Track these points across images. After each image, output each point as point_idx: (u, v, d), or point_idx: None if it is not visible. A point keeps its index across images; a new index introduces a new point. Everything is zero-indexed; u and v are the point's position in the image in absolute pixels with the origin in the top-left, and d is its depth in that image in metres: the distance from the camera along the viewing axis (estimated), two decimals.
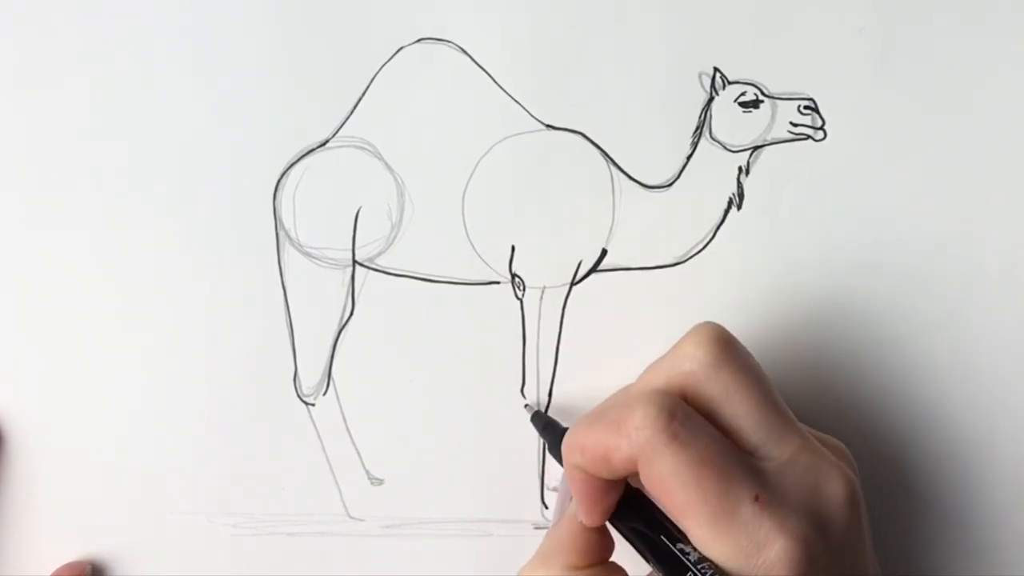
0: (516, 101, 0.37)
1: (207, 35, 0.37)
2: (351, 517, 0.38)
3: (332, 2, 0.37)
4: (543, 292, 0.38)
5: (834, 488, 0.30)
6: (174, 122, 0.37)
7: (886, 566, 0.38)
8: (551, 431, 0.36)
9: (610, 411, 0.31)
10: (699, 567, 0.28)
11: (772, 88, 0.37)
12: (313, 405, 0.38)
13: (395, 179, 0.38)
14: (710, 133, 0.37)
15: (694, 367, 0.31)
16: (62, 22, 0.37)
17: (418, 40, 0.37)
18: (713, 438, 0.29)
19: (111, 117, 0.37)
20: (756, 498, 0.28)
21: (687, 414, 0.29)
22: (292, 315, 0.38)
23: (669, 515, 0.30)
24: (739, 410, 0.30)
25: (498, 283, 0.38)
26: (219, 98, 0.37)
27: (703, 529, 0.28)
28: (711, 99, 0.37)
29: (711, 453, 0.29)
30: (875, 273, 0.37)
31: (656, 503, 0.31)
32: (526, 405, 0.38)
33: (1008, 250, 0.37)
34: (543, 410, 0.38)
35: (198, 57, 0.37)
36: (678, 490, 0.29)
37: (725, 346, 0.31)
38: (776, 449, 0.30)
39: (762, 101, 0.37)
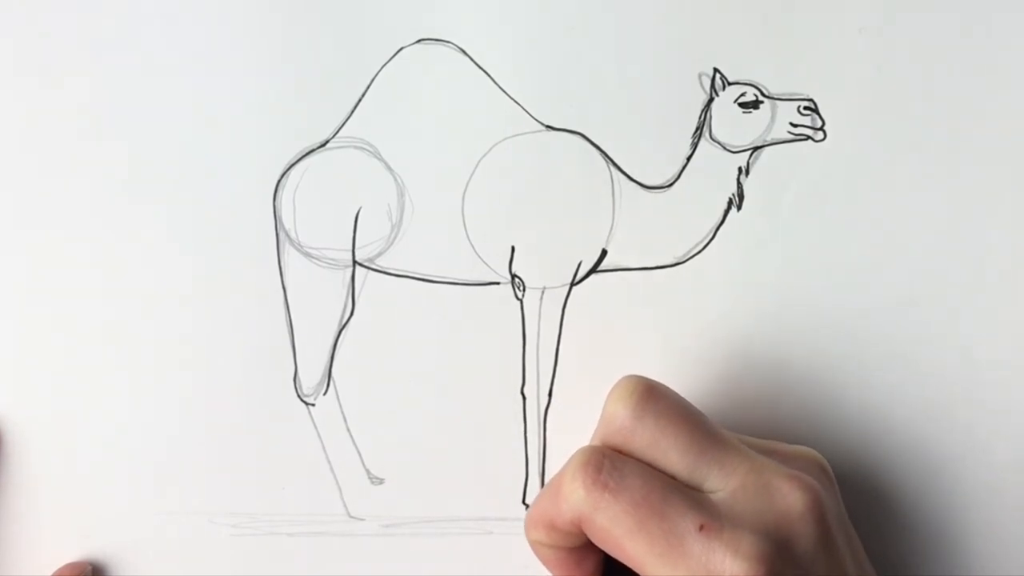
0: (516, 101, 0.37)
1: (207, 35, 0.37)
2: (351, 517, 0.38)
3: (332, 2, 0.37)
4: (543, 292, 0.38)
5: (792, 500, 0.30)
6: (174, 122, 0.37)
7: (887, 569, 0.38)
8: None
9: (551, 481, 0.31)
10: None
11: (772, 88, 0.37)
12: (313, 405, 0.38)
13: (395, 179, 0.38)
14: (710, 134, 0.37)
15: (619, 424, 0.31)
16: (61, 22, 0.37)
17: (418, 40, 0.37)
18: (646, 479, 0.29)
19: (110, 117, 0.37)
20: (701, 528, 0.28)
21: (614, 462, 0.30)
22: (292, 315, 0.38)
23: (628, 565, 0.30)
24: (671, 454, 0.30)
25: (498, 283, 0.38)
26: (219, 98, 0.37)
27: (658, 571, 0.28)
28: (711, 100, 0.37)
29: (645, 494, 0.29)
30: (875, 274, 0.37)
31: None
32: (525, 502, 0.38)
33: (1009, 250, 0.37)
34: (543, 409, 0.38)
35: (198, 57, 0.37)
36: (624, 540, 0.29)
37: (642, 396, 0.31)
38: (720, 480, 0.30)
39: (762, 102, 0.37)
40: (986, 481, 0.38)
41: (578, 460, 0.30)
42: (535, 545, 0.32)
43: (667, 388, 0.32)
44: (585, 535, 0.31)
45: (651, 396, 0.31)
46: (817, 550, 0.29)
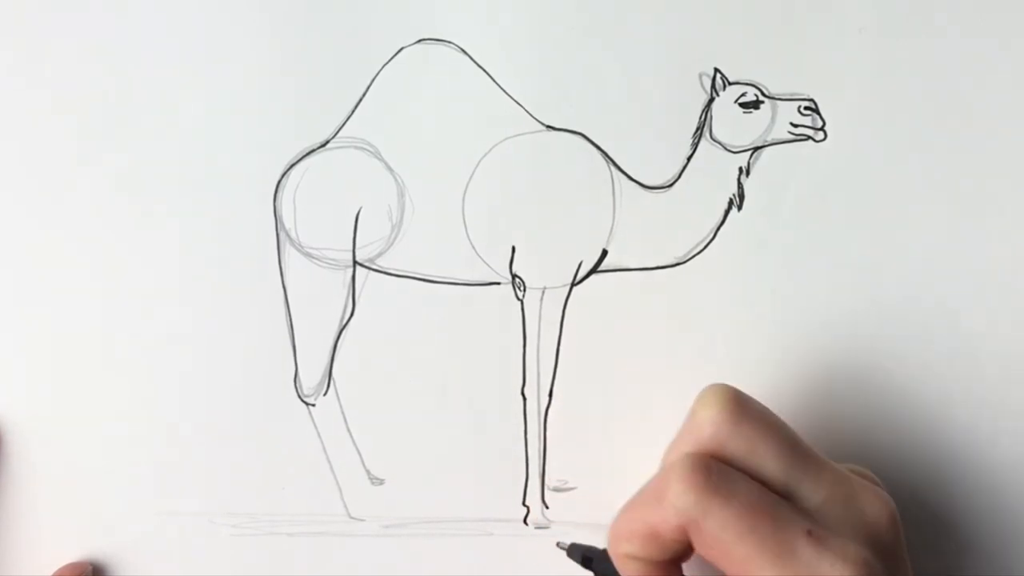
0: (516, 101, 0.37)
1: (207, 35, 0.37)
2: (351, 517, 0.38)
3: (333, 2, 0.37)
4: (543, 292, 0.38)
5: (877, 510, 0.30)
6: (175, 123, 0.37)
7: None
8: (593, 554, 0.34)
9: (646, 491, 0.31)
10: None
11: (772, 89, 0.37)
12: (313, 405, 0.38)
13: (395, 179, 0.38)
14: (711, 134, 0.37)
15: (714, 429, 0.31)
16: (62, 23, 0.37)
17: (418, 40, 0.37)
18: (752, 485, 0.30)
19: (111, 118, 0.37)
20: (809, 533, 0.29)
21: (721, 469, 0.30)
22: (292, 315, 0.38)
23: (730, 573, 0.30)
24: (767, 460, 0.30)
25: (498, 283, 0.38)
26: (220, 99, 0.37)
27: (767, 573, 0.29)
28: (711, 100, 0.37)
29: (755, 499, 0.29)
30: (876, 274, 0.37)
31: (716, 568, 0.31)
32: (558, 544, 0.36)
33: (1009, 250, 0.37)
34: (544, 409, 0.38)
35: (198, 58, 0.37)
36: (734, 543, 0.29)
37: (738, 402, 0.31)
38: (811, 490, 0.30)
39: (762, 102, 0.37)
40: (986, 481, 0.38)
41: (686, 466, 0.30)
42: (623, 559, 0.32)
43: (755, 398, 0.32)
44: (677, 546, 0.30)
45: (746, 403, 0.31)
46: (899, 558, 0.30)
